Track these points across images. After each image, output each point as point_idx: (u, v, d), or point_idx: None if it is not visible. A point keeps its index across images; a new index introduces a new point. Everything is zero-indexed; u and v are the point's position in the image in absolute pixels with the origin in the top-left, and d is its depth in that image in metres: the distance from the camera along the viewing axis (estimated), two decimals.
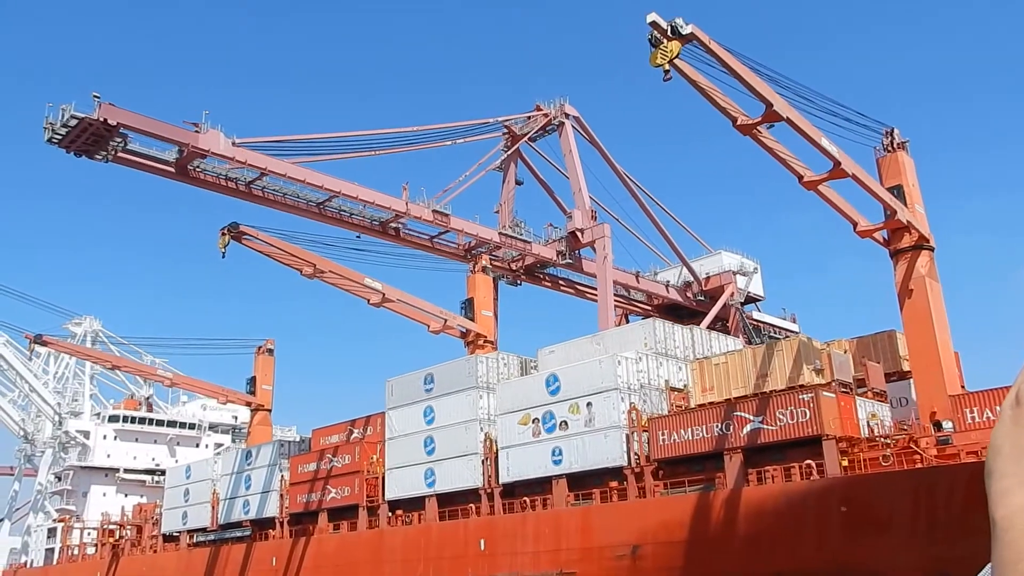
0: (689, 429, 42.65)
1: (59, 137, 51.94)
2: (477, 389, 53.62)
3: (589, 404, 46.59)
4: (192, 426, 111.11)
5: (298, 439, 72.06)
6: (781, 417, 39.44)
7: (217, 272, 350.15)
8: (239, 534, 70.52)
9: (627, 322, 77.82)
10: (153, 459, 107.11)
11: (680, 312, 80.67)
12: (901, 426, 41.02)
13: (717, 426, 41.73)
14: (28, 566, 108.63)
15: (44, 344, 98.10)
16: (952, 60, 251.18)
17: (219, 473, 74.56)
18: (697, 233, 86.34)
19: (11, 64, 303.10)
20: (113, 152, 54.20)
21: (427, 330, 66.54)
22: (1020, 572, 1.86)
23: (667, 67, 32.34)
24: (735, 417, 41.09)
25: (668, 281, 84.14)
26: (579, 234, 72.46)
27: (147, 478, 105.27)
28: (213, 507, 73.66)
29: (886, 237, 44.60)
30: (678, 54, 32.15)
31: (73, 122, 50.87)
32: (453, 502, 53.44)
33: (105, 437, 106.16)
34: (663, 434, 43.63)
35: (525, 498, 49.20)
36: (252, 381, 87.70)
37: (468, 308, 66.64)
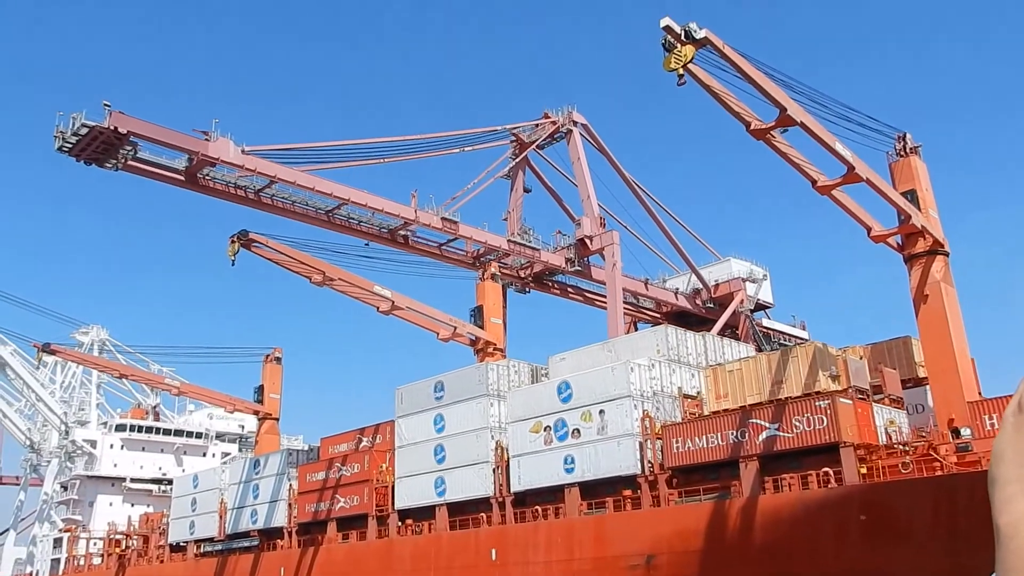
0: (704, 436, 42.24)
1: (69, 145, 51.82)
2: (488, 397, 53.28)
3: (602, 412, 46.20)
4: (199, 435, 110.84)
5: (306, 448, 71.73)
6: (797, 424, 39.01)
7: (224, 281, 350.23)
8: (247, 544, 70.15)
9: (635, 330, 77.42)
10: (160, 468, 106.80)
11: (689, 319, 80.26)
12: (919, 433, 40.53)
13: (732, 433, 41.31)
14: None
15: (52, 353, 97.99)
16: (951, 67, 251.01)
17: (227, 482, 74.25)
18: (706, 240, 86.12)
19: (23, 74, 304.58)
20: (123, 160, 54.08)
21: (436, 338, 66.20)
22: None
23: (681, 71, 32.14)
24: (750, 424, 40.67)
25: (677, 288, 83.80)
26: (588, 241, 72.20)
27: (154, 487, 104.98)
28: (221, 517, 73.31)
29: (900, 242, 44.19)
30: (692, 58, 31.95)
31: (84, 130, 50.75)
32: (464, 511, 53.01)
33: (112, 446, 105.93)
34: (677, 442, 43.20)
35: (537, 507, 48.78)
36: (260, 390, 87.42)
37: (477, 316, 66.31)
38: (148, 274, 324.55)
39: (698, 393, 47.61)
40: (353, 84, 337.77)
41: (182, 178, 57.12)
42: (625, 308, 74.71)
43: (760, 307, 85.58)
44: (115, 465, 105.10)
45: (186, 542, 77.93)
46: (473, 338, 66.48)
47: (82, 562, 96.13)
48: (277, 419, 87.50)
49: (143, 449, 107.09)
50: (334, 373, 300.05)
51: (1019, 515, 1.92)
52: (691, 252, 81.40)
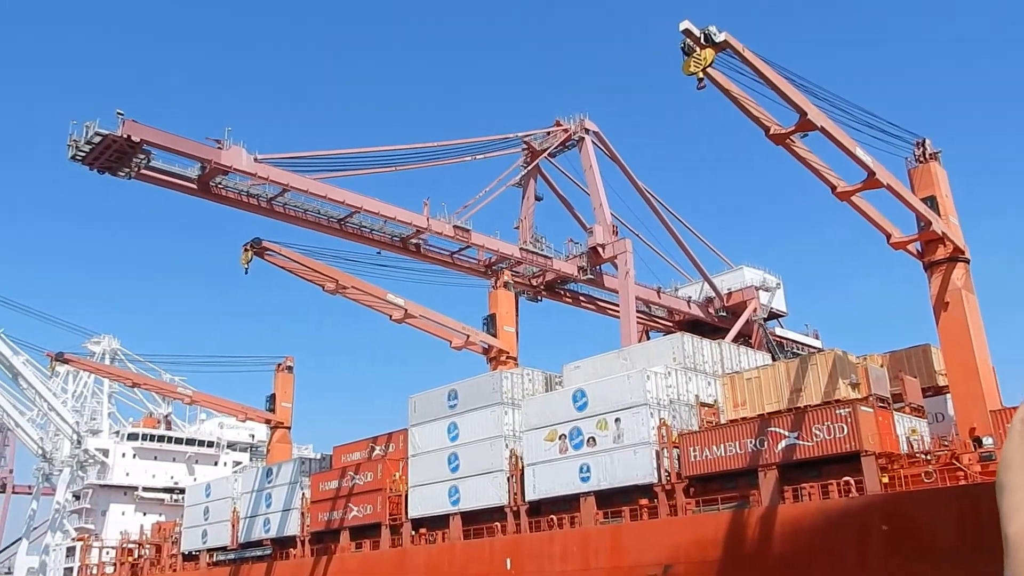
0: (722, 445, 41.76)
1: (83, 154, 51.87)
2: (502, 405, 52.92)
3: (617, 420, 45.78)
4: (211, 444, 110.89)
5: (318, 456, 71.45)
6: (817, 432, 38.51)
7: (235, 291, 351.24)
8: (259, 553, 69.90)
9: (647, 338, 77.05)
10: (172, 477, 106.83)
11: (702, 328, 79.69)
12: (942, 442, 39.95)
13: (751, 442, 40.83)
14: None
15: (65, 362, 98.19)
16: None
17: (239, 491, 74.04)
18: (718, 248, 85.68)
19: (36, 87, 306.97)
20: (136, 169, 54.12)
21: (449, 346, 65.97)
22: None
23: (701, 75, 31.88)
24: (769, 433, 40.18)
25: (690, 297, 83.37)
26: (600, 249, 71.90)
27: (166, 496, 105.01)
28: (233, 526, 73.07)
29: (920, 249, 43.74)
30: (712, 62, 31.69)
31: (97, 139, 50.78)
32: (478, 520, 52.60)
33: (124, 455, 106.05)
34: (694, 450, 42.75)
35: (552, 516, 48.32)
36: (272, 399, 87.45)
37: (490, 324, 66.04)
38: (158, 284, 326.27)
39: (715, 401, 47.15)
40: (365, 92, 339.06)
41: (195, 187, 57.14)
42: (637, 317, 74.29)
43: (773, 316, 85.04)
44: (127, 474, 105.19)
45: (198, 551, 77.69)
46: (486, 346, 66.22)
47: (95, 571, 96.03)
48: (289, 428, 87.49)
49: (155, 458, 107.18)
50: (344, 382, 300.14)
51: None
52: (704, 260, 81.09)
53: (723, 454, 41.71)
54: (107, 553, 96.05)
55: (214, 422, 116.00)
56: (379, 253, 65.83)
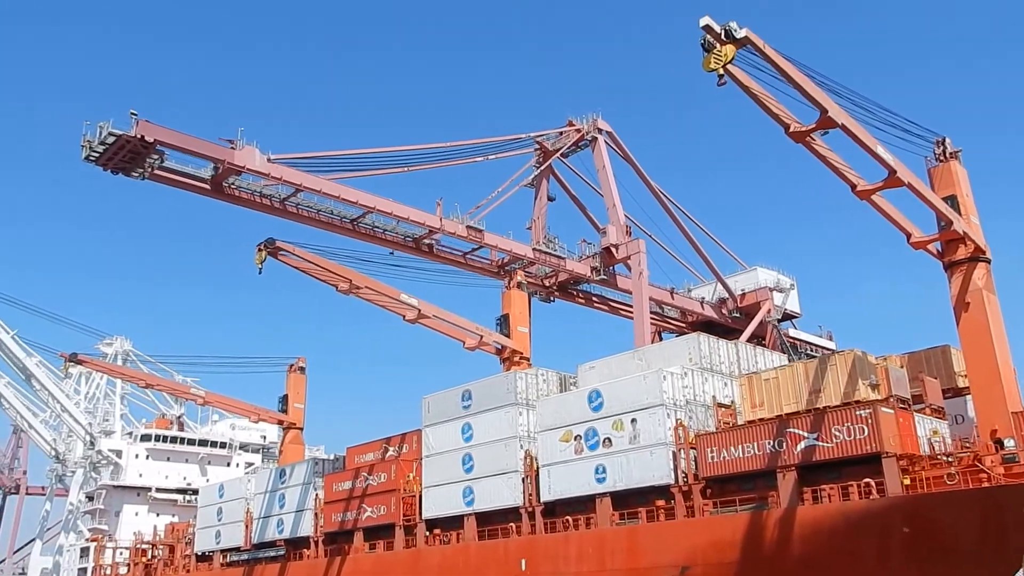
0: (740, 446, 41.39)
1: (96, 155, 51.91)
2: (516, 406, 52.65)
3: (634, 420, 45.46)
4: (223, 445, 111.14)
5: (331, 457, 71.36)
6: (837, 434, 38.09)
7: (246, 292, 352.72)
8: (273, 553, 69.90)
9: (660, 339, 76.66)
10: (185, 478, 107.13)
11: (715, 329, 79.16)
12: (964, 444, 39.45)
13: (769, 443, 40.44)
14: None
15: (79, 363, 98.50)
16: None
17: (252, 492, 74.07)
18: (731, 249, 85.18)
19: (47, 89, 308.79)
20: (150, 169, 54.13)
21: (463, 347, 65.76)
22: None
23: (721, 72, 31.55)
24: (788, 434, 39.78)
25: (703, 298, 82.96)
26: (614, 250, 71.65)
27: (179, 497, 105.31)
28: (247, 526, 73.11)
29: (940, 249, 43.19)
30: (732, 58, 31.34)
31: (111, 139, 50.81)
32: (492, 521, 52.35)
33: (137, 456, 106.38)
34: (712, 451, 42.38)
35: (567, 517, 48.04)
36: (284, 399, 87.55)
37: (504, 324, 65.79)
38: (168, 286, 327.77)
39: (732, 402, 46.77)
40: (373, 93, 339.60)
41: (208, 187, 57.13)
42: (650, 318, 73.94)
43: (787, 317, 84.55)
44: (140, 475, 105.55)
45: (212, 551, 77.75)
46: (499, 347, 65.99)
47: (109, 571, 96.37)
48: (301, 429, 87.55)
49: (168, 459, 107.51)
50: (354, 384, 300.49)
51: None
52: (717, 261, 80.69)
53: (741, 455, 41.33)
54: (121, 554, 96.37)
55: (226, 423, 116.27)
56: (392, 253, 65.76)
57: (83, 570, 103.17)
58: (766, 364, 51.38)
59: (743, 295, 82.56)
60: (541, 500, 49.44)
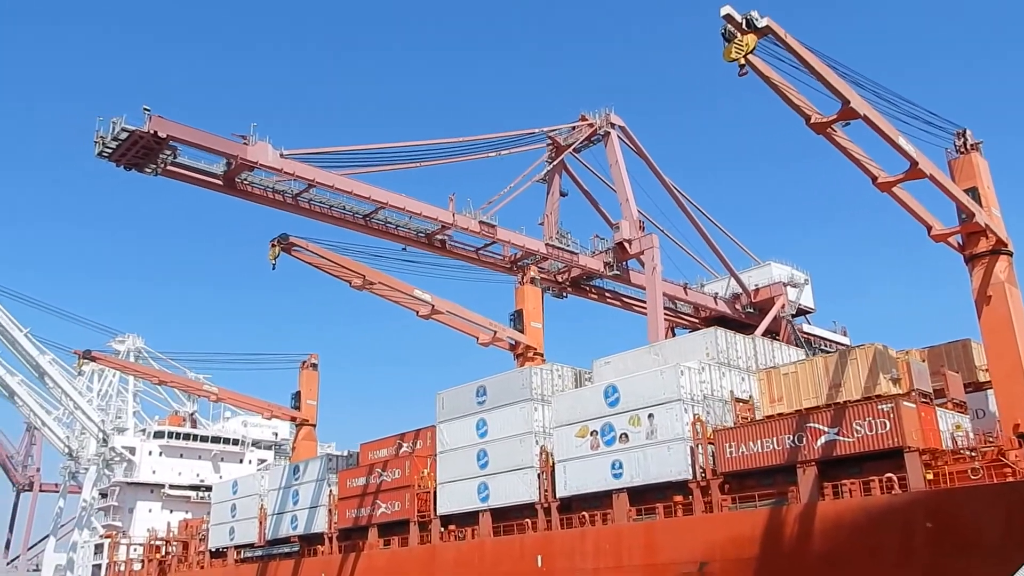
0: (759, 441, 41.00)
1: (110, 151, 51.73)
2: (532, 401, 52.40)
3: (651, 416, 45.13)
4: (236, 442, 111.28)
5: (345, 453, 71.29)
6: (858, 428, 37.67)
7: (258, 289, 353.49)
8: (287, 550, 69.90)
9: (673, 335, 76.24)
10: (198, 475, 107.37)
11: (729, 325, 78.49)
12: (987, 438, 38.97)
13: (789, 438, 40.04)
14: None
15: (93, 360, 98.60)
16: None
17: (266, 488, 74.08)
18: (745, 244, 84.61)
19: (50, 90, 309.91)
20: (163, 165, 53.90)
21: (476, 342, 65.49)
22: None
23: (742, 62, 31.17)
24: (808, 428, 39.37)
25: (716, 293, 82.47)
26: (627, 245, 71.20)
27: (192, 494, 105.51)
28: (260, 523, 73.13)
29: (961, 242, 42.71)
30: (754, 48, 30.96)
31: (124, 135, 50.61)
32: (507, 517, 52.15)
33: (150, 453, 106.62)
34: (730, 446, 42.00)
35: (584, 513, 47.78)
36: (297, 396, 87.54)
37: (517, 320, 65.46)
38: (177, 285, 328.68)
39: (750, 397, 46.38)
40: (383, 92, 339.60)
41: (220, 183, 56.94)
42: (663, 313, 73.51)
43: (801, 312, 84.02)
44: (154, 472, 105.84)
45: (226, 548, 77.86)
46: (513, 343, 65.69)
47: (123, 568, 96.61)
48: (314, 425, 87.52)
49: (181, 456, 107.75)
50: (365, 380, 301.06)
51: None
52: (730, 256, 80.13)
53: (760, 450, 40.95)
54: (135, 550, 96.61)
55: (238, 420, 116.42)
56: (404, 249, 65.51)
57: (97, 566, 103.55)
58: (783, 359, 50.98)
59: (756, 290, 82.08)
60: (557, 496, 49.19)
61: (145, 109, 50.90)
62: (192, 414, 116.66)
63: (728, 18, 30.91)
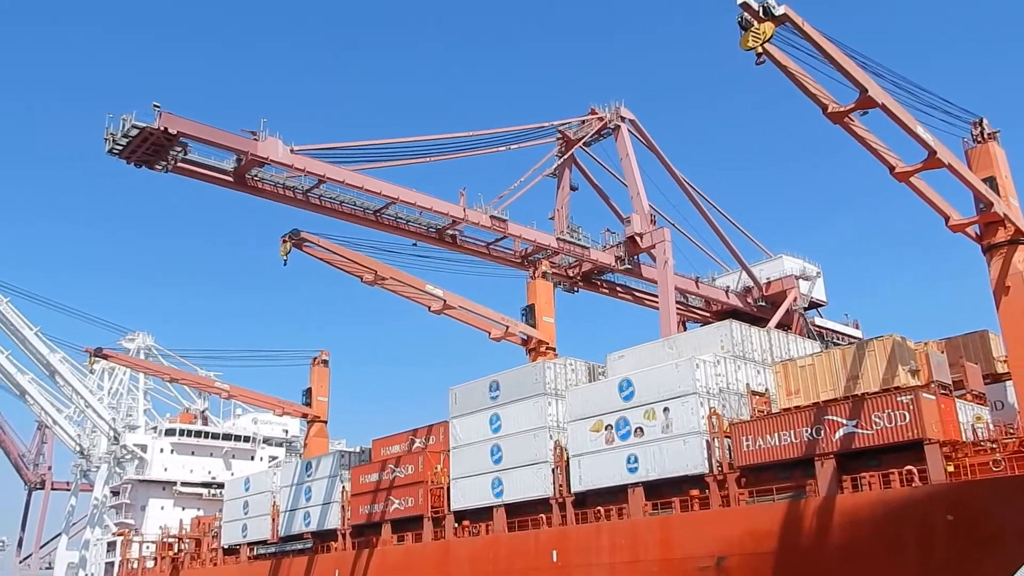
0: (776, 434, 40.67)
1: (120, 148, 51.61)
2: (545, 396, 52.15)
3: (666, 409, 44.83)
4: (247, 439, 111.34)
5: (357, 450, 71.18)
6: (877, 420, 37.31)
7: (268, 286, 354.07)
8: (300, 546, 69.85)
9: (684, 329, 75.88)
10: (209, 472, 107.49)
11: (741, 318, 77.82)
12: (1007, 429, 38.56)
13: (806, 431, 39.71)
14: None
15: (104, 357, 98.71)
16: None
17: (279, 485, 74.06)
18: (756, 238, 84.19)
19: (50, 90, 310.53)
20: (173, 162, 53.76)
21: (488, 337, 65.32)
22: None
23: (760, 50, 30.82)
24: (826, 421, 39.03)
25: (728, 287, 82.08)
26: (638, 239, 70.90)
27: (204, 491, 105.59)
28: (273, 519, 73.14)
29: (978, 232, 42.26)
30: (771, 36, 30.63)
31: (134, 132, 50.49)
32: (522, 512, 51.91)
33: (162, 451, 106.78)
34: (747, 440, 41.69)
35: (599, 508, 47.52)
36: (308, 393, 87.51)
37: (529, 314, 65.23)
38: (186, 283, 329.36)
39: (766, 390, 46.04)
40: (389, 90, 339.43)
41: (231, 179, 56.79)
42: (675, 307, 73.12)
43: (813, 305, 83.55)
44: (165, 469, 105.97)
45: (239, 545, 77.90)
46: (525, 337, 65.47)
47: (135, 565, 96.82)
48: (325, 422, 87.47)
49: (192, 453, 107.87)
50: (375, 377, 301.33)
51: None
52: (742, 250, 79.74)
53: (777, 443, 40.63)
54: (147, 548, 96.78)
55: (248, 417, 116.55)
56: (415, 245, 65.32)
57: (110, 564, 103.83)
58: (798, 351, 50.60)
59: (768, 283, 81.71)
60: (572, 491, 48.95)
61: (155, 106, 50.76)
62: (203, 411, 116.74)
63: (745, 6, 30.57)
